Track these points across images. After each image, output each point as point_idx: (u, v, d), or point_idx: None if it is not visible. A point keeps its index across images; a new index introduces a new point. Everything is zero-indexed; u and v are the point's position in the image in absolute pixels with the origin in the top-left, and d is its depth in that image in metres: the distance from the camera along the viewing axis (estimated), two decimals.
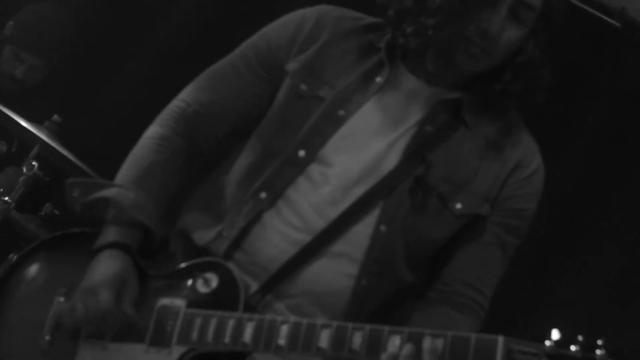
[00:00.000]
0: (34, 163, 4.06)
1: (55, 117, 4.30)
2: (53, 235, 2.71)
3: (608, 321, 4.18)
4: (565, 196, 4.30)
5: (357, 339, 2.29)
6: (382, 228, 2.51)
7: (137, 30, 4.88)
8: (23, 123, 4.08)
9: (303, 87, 2.61)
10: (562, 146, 4.38)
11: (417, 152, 2.54)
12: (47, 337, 2.53)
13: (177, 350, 2.42)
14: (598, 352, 2.16)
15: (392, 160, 2.55)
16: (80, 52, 4.89)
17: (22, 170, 4.06)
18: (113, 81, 4.79)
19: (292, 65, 2.64)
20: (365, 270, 2.51)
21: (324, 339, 2.31)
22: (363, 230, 2.52)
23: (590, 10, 4.16)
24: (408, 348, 2.24)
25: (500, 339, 2.20)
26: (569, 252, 4.45)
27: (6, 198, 4.02)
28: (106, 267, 2.49)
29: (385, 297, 2.55)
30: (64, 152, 4.13)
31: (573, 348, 2.17)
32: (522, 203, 2.61)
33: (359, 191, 2.52)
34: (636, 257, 4.38)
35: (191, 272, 2.51)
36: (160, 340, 2.44)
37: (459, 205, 2.56)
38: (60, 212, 4.22)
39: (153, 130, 2.69)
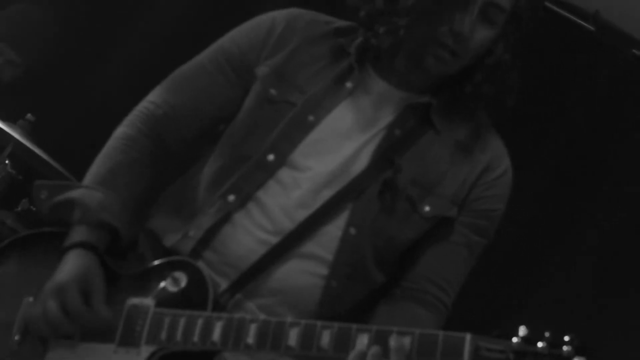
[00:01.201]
0: (6, 162, 4.05)
1: (29, 115, 4.30)
2: (24, 234, 2.70)
3: (577, 318, 4.21)
4: (534, 196, 4.32)
5: (326, 337, 2.30)
6: (352, 230, 2.53)
7: (113, 33, 4.88)
8: None
9: (273, 92, 2.62)
10: (535, 148, 4.42)
11: (385, 155, 2.56)
12: (17, 337, 2.52)
13: (146, 350, 2.42)
14: (565, 348, 2.18)
15: (361, 164, 2.56)
16: (56, 53, 4.88)
17: None
18: (87, 81, 4.79)
19: (262, 70, 2.65)
20: (335, 272, 2.53)
21: (293, 337, 2.32)
22: (333, 232, 2.53)
23: (564, 13, 4.18)
24: (376, 348, 2.25)
25: (468, 337, 2.22)
26: (539, 250, 4.47)
27: None
28: (72, 266, 2.49)
29: (356, 299, 2.57)
30: (38, 151, 4.13)
31: (540, 344, 2.19)
32: (490, 204, 2.64)
33: (328, 194, 2.54)
34: (605, 253, 4.42)
35: (160, 271, 2.51)
36: (129, 340, 2.44)
37: (427, 208, 2.57)
38: (36, 208, 4.21)
39: (120, 131, 2.69)
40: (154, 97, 2.72)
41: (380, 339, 2.27)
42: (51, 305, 2.45)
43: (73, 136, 4.59)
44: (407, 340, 2.24)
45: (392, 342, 2.24)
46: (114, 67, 4.82)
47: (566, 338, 2.19)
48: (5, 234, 3.93)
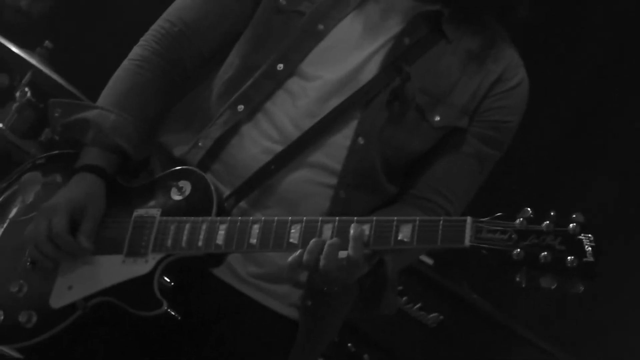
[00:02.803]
0: (26, 89, 4.05)
1: (47, 43, 4.28)
2: (45, 155, 2.72)
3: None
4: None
5: (327, 232, 2.31)
6: (360, 140, 2.51)
7: None
8: (14, 49, 4.06)
9: (282, 1, 2.60)
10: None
11: (394, 64, 2.54)
12: (29, 257, 2.54)
13: (153, 258, 2.43)
14: (571, 225, 2.14)
15: (369, 72, 2.54)
16: None
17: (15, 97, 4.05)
18: (105, 4, 4.77)
19: None
20: (343, 182, 2.52)
21: (295, 234, 2.34)
22: (340, 142, 2.52)
23: None
24: (335, 240, 2.29)
25: (469, 219, 2.21)
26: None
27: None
28: (71, 190, 2.51)
29: (366, 210, 2.54)
30: (57, 78, 4.12)
31: (545, 223, 2.15)
32: (501, 115, 2.60)
33: (336, 102, 2.52)
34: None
35: (165, 181, 2.52)
36: (136, 250, 2.46)
37: (437, 118, 2.55)
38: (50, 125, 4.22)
39: (135, 52, 2.68)
40: (168, 16, 2.70)
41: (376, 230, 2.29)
42: (40, 225, 2.46)
43: (92, 62, 4.57)
44: (408, 228, 2.25)
45: (352, 230, 2.27)
46: None
47: (573, 216, 2.15)
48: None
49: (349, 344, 3.61)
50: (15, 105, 4.05)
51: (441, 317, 3.67)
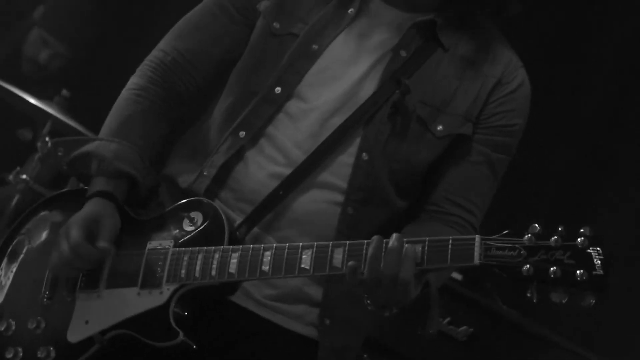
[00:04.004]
0: (47, 139, 4.10)
1: (64, 92, 4.35)
2: (50, 195, 2.76)
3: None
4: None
5: (338, 256, 2.33)
6: (364, 156, 2.53)
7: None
8: (33, 101, 4.13)
9: (276, 25, 2.62)
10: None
11: (393, 77, 2.55)
12: (46, 293, 2.58)
13: (168, 289, 2.45)
14: (579, 240, 2.15)
15: (368, 88, 2.56)
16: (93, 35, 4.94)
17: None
18: (119, 54, 4.83)
19: (263, 4, 2.65)
20: (350, 198, 2.53)
21: (306, 260, 2.36)
22: (345, 160, 2.54)
23: None
24: (394, 244, 2.29)
25: (477, 238, 2.23)
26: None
27: (24, 176, 4.07)
28: (84, 210, 2.54)
29: (376, 225, 2.56)
30: (77, 125, 4.18)
31: (553, 239, 2.16)
32: (507, 119, 2.60)
33: (337, 121, 2.54)
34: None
35: (177, 213, 2.54)
36: (151, 281, 2.48)
37: (440, 127, 2.56)
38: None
39: (132, 82, 2.72)
40: (162, 45, 2.74)
41: None
42: (62, 244, 2.50)
43: (109, 107, 4.62)
44: (418, 248, 2.27)
45: (406, 250, 2.27)
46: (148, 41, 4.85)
47: (580, 230, 2.16)
48: None
49: None
50: (37, 156, 4.11)
51: (471, 329, 3.66)
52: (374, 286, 2.31)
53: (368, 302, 2.38)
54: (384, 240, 2.30)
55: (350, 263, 2.30)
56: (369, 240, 2.31)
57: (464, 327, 3.66)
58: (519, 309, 3.78)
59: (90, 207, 2.54)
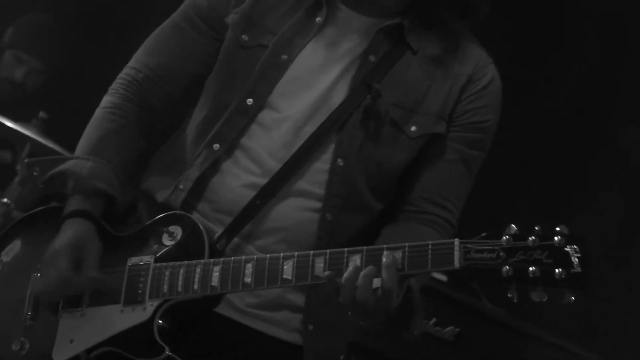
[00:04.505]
0: (26, 162, 4.08)
1: (42, 113, 4.35)
2: (26, 214, 2.76)
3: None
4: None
5: (320, 264, 2.35)
6: (339, 162, 2.55)
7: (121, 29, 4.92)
8: (10, 124, 4.13)
9: (245, 37, 2.64)
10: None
11: (363, 82, 2.58)
12: (29, 313, 2.58)
13: (151, 305, 2.47)
14: (556, 238, 2.17)
15: (339, 95, 2.58)
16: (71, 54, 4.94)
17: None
18: (95, 73, 4.83)
19: (232, 17, 2.67)
20: (328, 204, 2.55)
21: (288, 270, 2.37)
22: (321, 166, 2.56)
23: None
24: (370, 267, 2.30)
25: (456, 242, 2.25)
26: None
27: (4, 200, 4.07)
28: (66, 234, 2.54)
29: (355, 230, 2.59)
30: (55, 147, 4.18)
31: (530, 239, 2.19)
32: (479, 116, 2.63)
33: (311, 129, 2.56)
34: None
35: (155, 228, 2.55)
36: (133, 298, 2.50)
37: (413, 128, 2.58)
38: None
39: (105, 101, 2.74)
40: (133, 62, 2.76)
41: (372, 258, 2.31)
42: (49, 274, 2.51)
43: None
44: (398, 255, 2.28)
45: (384, 258, 2.28)
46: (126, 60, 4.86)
47: (557, 228, 2.19)
48: None
49: None
50: (17, 179, 4.11)
51: (457, 329, 3.68)
52: (354, 306, 2.33)
53: (352, 316, 2.40)
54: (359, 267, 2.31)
55: (326, 273, 2.32)
56: (350, 249, 2.34)
57: (450, 327, 3.68)
58: (505, 306, 3.80)
59: (72, 232, 2.55)
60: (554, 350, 3.69)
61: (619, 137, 4.45)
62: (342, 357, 2.64)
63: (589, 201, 4.40)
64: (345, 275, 2.30)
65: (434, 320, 3.67)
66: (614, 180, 4.43)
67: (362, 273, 2.29)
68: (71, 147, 4.13)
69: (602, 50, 4.51)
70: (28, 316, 2.58)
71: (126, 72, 2.75)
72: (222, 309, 2.52)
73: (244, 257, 2.43)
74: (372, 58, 2.59)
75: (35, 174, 2.67)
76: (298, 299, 2.56)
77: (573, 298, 2.18)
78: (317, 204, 2.55)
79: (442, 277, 3.86)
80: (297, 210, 2.54)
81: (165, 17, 2.78)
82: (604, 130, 4.47)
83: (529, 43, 4.49)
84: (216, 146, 2.59)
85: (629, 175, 4.42)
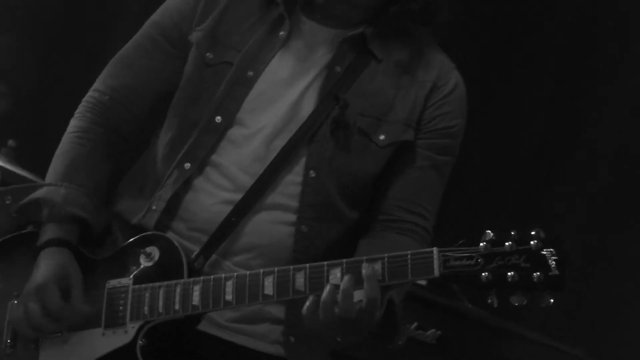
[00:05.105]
0: None
1: (11, 142, 4.32)
2: (4, 238, 2.72)
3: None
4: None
5: (300, 279, 2.36)
6: (311, 173, 2.56)
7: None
8: None
9: (209, 55, 2.65)
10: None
11: (330, 94, 2.59)
12: (8, 341, 2.57)
13: (133, 327, 2.47)
14: (532, 242, 2.20)
15: (308, 107, 2.59)
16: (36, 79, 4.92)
17: None
18: (63, 100, 4.82)
19: (195, 35, 2.67)
20: (303, 216, 2.56)
21: (269, 285, 2.38)
22: (293, 179, 2.57)
23: None
24: (347, 278, 2.30)
25: (435, 250, 2.27)
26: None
27: None
28: (47, 265, 2.53)
29: (331, 240, 2.60)
30: (27, 174, 4.15)
31: (507, 244, 2.21)
32: (446, 121, 2.65)
33: (281, 143, 2.57)
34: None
35: (132, 249, 2.56)
36: (114, 321, 2.50)
37: (382, 137, 2.60)
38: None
39: (72, 125, 2.73)
40: (98, 85, 2.76)
41: (352, 271, 2.32)
42: (32, 307, 2.50)
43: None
44: (377, 266, 2.30)
45: (364, 270, 2.29)
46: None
47: (532, 232, 2.21)
48: None
49: None
50: None
51: (439, 332, 3.68)
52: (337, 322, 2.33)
53: (336, 331, 2.39)
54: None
55: (307, 305, 2.33)
56: (330, 262, 2.35)
57: (432, 330, 3.68)
58: (486, 307, 3.80)
59: (53, 262, 2.53)
60: (536, 346, 3.71)
61: (590, 136, 4.47)
62: None
63: (564, 201, 4.43)
64: (323, 297, 2.31)
65: (415, 324, 3.67)
66: (588, 180, 4.45)
67: (341, 288, 2.30)
68: (41, 173, 4.14)
69: (572, 52, 4.53)
70: (7, 344, 2.57)
71: (91, 94, 2.75)
72: (203, 326, 2.52)
73: (223, 275, 2.43)
74: (338, 69, 2.61)
75: (7, 202, 2.65)
76: (278, 311, 2.57)
77: (552, 300, 2.22)
78: (292, 217, 2.56)
79: (422, 281, 3.87)
80: (272, 224, 2.55)
81: (131, 38, 2.79)
82: (576, 131, 4.49)
83: (497, 46, 4.51)
84: (187, 165, 2.59)
85: (603, 174, 4.44)
